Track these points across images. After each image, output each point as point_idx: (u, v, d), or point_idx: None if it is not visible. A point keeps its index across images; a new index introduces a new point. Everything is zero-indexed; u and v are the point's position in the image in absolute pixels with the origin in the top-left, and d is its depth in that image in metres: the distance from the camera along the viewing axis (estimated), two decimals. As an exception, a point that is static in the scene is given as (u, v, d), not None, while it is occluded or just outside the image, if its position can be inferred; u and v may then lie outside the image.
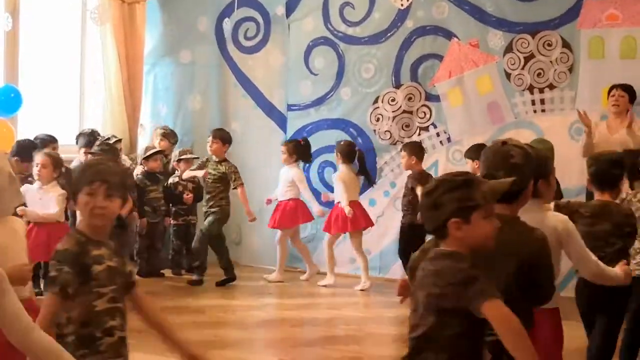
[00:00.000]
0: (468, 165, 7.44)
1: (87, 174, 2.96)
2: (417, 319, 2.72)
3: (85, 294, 2.89)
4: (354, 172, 8.11)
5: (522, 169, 3.08)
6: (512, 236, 2.93)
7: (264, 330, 6.41)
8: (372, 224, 8.17)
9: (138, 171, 8.27)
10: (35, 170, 6.54)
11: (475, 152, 7.18)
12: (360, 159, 8.17)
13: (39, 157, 6.56)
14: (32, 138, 7.37)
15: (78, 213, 6.39)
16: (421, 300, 2.70)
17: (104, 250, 2.96)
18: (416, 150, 7.82)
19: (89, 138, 7.73)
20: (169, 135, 8.83)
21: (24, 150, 7.04)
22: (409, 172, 7.77)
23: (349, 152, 8.08)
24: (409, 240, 7.56)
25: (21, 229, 3.61)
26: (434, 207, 2.71)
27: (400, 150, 8.02)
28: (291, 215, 8.20)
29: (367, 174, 8.19)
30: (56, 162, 6.57)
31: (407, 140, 8.32)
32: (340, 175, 8.05)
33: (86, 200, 2.92)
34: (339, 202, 8.00)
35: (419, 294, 2.73)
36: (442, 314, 2.63)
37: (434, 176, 7.55)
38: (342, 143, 8.20)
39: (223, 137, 8.12)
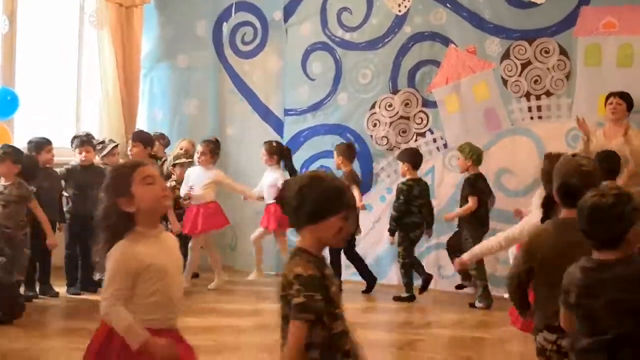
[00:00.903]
0: (400, 167, 7.83)
1: (344, 199, 2.83)
2: (595, 327, 2.97)
3: (328, 317, 2.78)
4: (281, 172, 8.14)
5: (594, 175, 3.50)
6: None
7: (259, 335, 6.38)
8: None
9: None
10: None
11: (406, 155, 7.81)
12: (287, 157, 8.20)
13: None
14: (26, 142, 7.31)
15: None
16: (599, 308, 2.95)
17: (328, 270, 2.86)
18: (345, 152, 8.04)
19: (82, 140, 7.69)
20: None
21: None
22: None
23: (278, 152, 8.14)
24: (350, 241, 7.80)
25: (175, 246, 3.33)
26: (619, 219, 2.97)
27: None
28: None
29: (292, 170, 8.14)
30: None
31: (404, 145, 8.34)
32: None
33: (341, 225, 2.80)
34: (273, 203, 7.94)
35: (591, 304, 2.97)
36: (636, 314, 2.91)
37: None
38: (273, 144, 8.25)
39: (144, 140, 7.81)
